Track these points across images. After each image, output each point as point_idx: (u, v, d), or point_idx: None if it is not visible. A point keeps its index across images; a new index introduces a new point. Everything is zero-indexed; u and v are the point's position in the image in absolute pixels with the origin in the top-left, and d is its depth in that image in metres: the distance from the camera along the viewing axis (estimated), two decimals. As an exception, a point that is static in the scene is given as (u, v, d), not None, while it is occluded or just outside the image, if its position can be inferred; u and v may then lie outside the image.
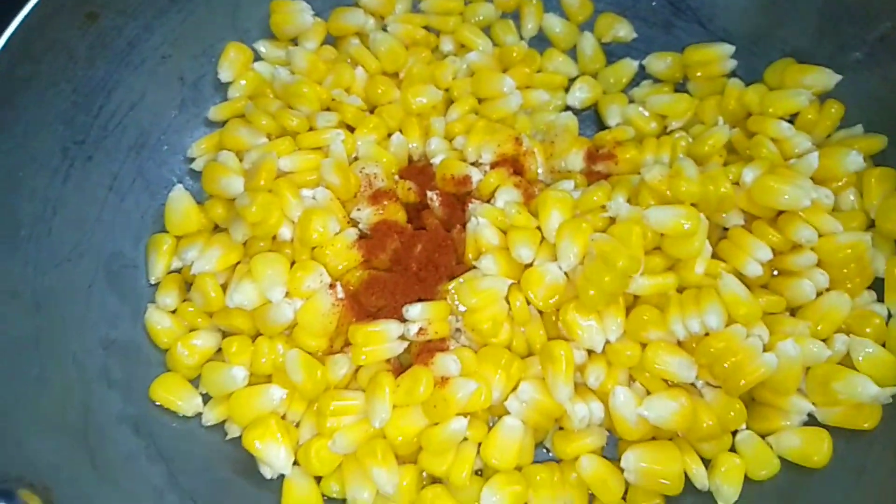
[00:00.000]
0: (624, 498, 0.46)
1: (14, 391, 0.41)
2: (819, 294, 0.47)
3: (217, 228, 0.54)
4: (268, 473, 0.46)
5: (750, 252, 0.48)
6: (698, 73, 0.59)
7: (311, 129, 0.55)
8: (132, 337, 0.50)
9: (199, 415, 0.49)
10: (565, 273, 0.47)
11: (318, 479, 0.47)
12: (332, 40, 0.61)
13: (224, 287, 0.50)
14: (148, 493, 0.44)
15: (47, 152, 0.49)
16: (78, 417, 0.44)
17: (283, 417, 0.48)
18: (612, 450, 0.48)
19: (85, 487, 0.41)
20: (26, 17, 0.46)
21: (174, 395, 0.48)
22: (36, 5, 0.46)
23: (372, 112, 0.58)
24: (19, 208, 0.46)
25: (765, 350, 0.45)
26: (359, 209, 0.52)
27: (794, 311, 0.48)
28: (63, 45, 0.49)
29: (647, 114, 0.58)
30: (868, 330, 0.46)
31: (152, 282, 0.52)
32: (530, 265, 0.48)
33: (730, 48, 0.58)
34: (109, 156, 0.53)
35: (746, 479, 0.45)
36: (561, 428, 0.48)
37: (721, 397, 0.46)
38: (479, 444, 0.46)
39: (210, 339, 0.50)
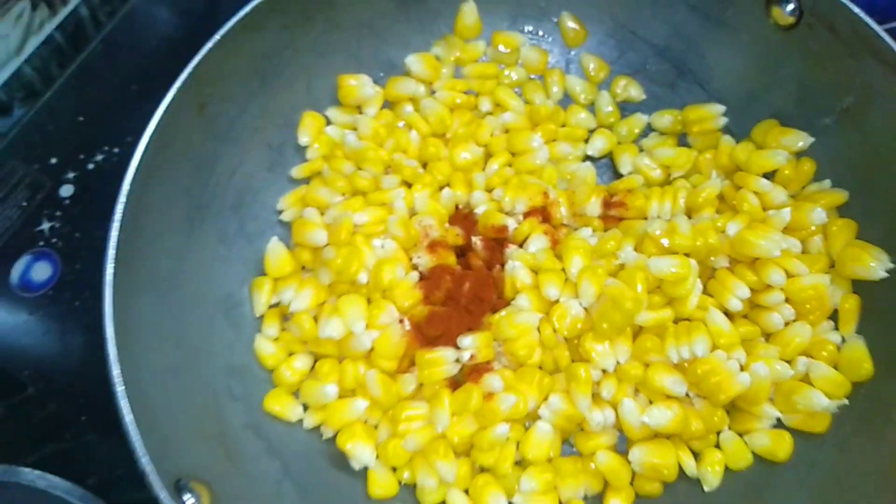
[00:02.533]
0: (631, 483, 0.59)
1: (172, 411, 0.54)
2: (787, 324, 0.59)
3: (304, 269, 0.67)
4: (356, 466, 0.60)
5: (732, 291, 0.59)
6: (695, 129, 0.70)
7: (377, 188, 0.67)
8: (245, 361, 0.63)
9: (301, 421, 0.62)
10: (585, 308, 0.60)
11: (394, 470, 0.60)
12: (388, 104, 0.74)
13: (315, 320, 0.64)
14: (270, 483, 0.57)
15: (175, 219, 0.61)
16: (216, 427, 0.57)
17: (365, 422, 0.62)
18: (623, 445, 0.61)
19: (228, 480, 0.54)
20: (160, 120, 0.58)
21: (281, 406, 0.62)
22: (166, 110, 0.59)
23: (425, 167, 0.70)
24: (160, 267, 0.59)
25: (742, 370, 0.57)
26: (419, 256, 0.64)
27: (768, 337, 0.60)
28: (182, 134, 0.61)
29: (653, 165, 0.70)
30: (824, 354, 0.58)
31: (257, 316, 0.66)
32: (557, 301, 0.61)
33: (721, 108, 0.69)
34: (218, 216, 0.65)
35: (726, 470, 0.58)
36: (582, 429, 0.61)
37: (707, 406, 0.58)
38: (518, 443, 0.60)
39: (306, 361, 0.64)
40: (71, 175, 0.83)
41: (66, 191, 0.82)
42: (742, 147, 0.66)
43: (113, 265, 0.53)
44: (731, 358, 0.57)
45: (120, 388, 0.49)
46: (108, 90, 0.90)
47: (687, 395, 0.59)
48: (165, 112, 0.59)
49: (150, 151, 0.57)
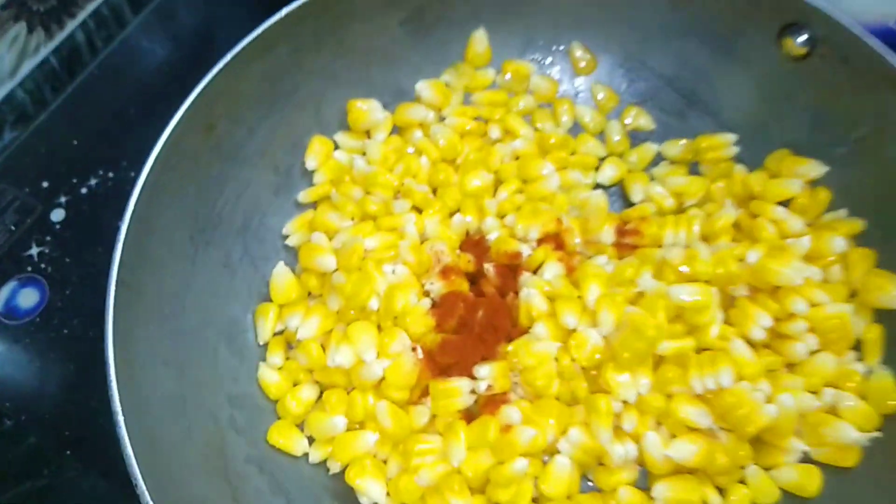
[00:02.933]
0: (654, 521, 0.56)
1: (173, 443, 0.52)
2: (811, 354, 0.58)
3: (311, 296, 0.65)
4: (365, 503, 0.57)
5: (754, 320, 0.58)
6: (707, 158, 0.69)
7: (387, 213, 0.66)
8: (249, 391, 0.60)
9: (306, 454, 0.59)
10: (604, 337, 0.58)
11: (405, 507, 0.57)
12: (396, 129, 0.73)
13: (322, 348, 0.61)
14: None
15: (180, 241, 0.59)
16: (218, 461, 0.54)
17: (375, 456, 0.59)
18: (643, 481, 0.58)
19: None
20: (167, 138, 0.57)
21: (285, 439, 0.59)
22: (174, 128, 0.57)
23: (435, 193, 0.69)
24: (163, 290, 0.57)
25: (767, 402, 0.55)
26: (431, 283, 0.62)
27: (791, 367, 0.59)
28: (190, 153, 0.59)
29: (665, 193, 0.69)
30: (850, 385, 0.56)
31: (261, 343, 0.63)
32: (574, 330, 0.59)
33: (733, 136, 0.68)
34: (223, 239, 0.63)
35: (753, 506, 0.56)
36: (601, 464, 0.58)
37: (732, 439, 0.56)
38: (536, 478, 0.57)
39: (312, 391, 0.61)
40: (63, 199, 0.81)
41: (58, 215, 0.80)
42: (756, 175, 0.66)
43: (115, 288, 0.51)
44: (756, 389, 0.55)
45: (121, 418, 0.46)
46: (104, 114, 0.88)
47: (711, 427, 0.56)
48: (174, 130, 0.57)
49: (156, 170, 0.56)
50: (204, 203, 0.62)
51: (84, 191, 0.82)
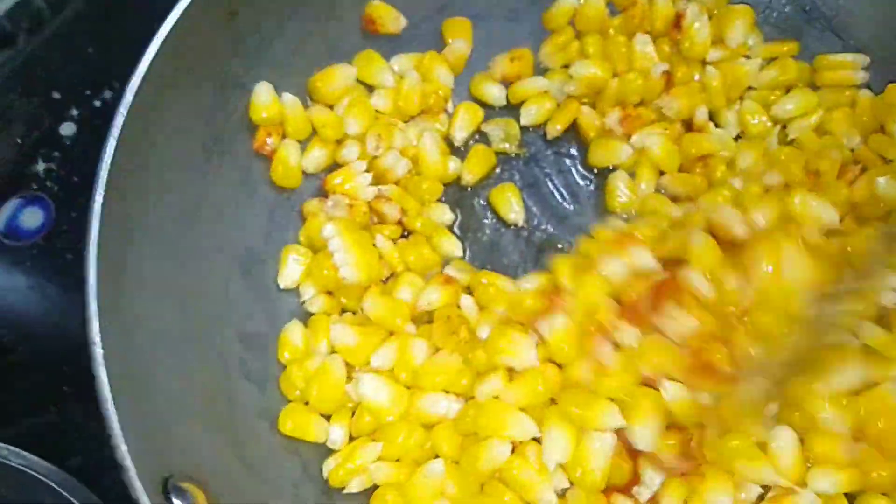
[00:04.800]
0: None
1: (167, 389, 0.43)
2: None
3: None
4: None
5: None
6: (826, 79, 0.58)
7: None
8: (264, 331, 0.52)
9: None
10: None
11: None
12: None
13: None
14: (287, 486, 0.46)
15: (190, 150, 0.50)
16: (222, 413, 0.46)
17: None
18: None
19: (233, 481, 0.43)
20: (178, 19, 0.47)
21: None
22: (187, 9, 0.47)
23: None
24: (168, 207, 0.48)
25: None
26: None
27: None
28: (206, 44, 0.50)
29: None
30: None
31: (282, 287, 0.54)
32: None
33: (864, 59, 0.57)
34: (240, 152, 0.54)
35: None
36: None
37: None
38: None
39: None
40: (74, 112, 0.74)
41: (68, 129, 0.73)
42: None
43: (103, 193, 0.41)
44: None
45: (98, 351, 0.37)
46: (125, 21, 0.79)
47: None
48: (187, 11, 0.47)
49: (164, 57, 0.47)
50: (221, 105, 0.53)
51: (98, 104, 0.74)
